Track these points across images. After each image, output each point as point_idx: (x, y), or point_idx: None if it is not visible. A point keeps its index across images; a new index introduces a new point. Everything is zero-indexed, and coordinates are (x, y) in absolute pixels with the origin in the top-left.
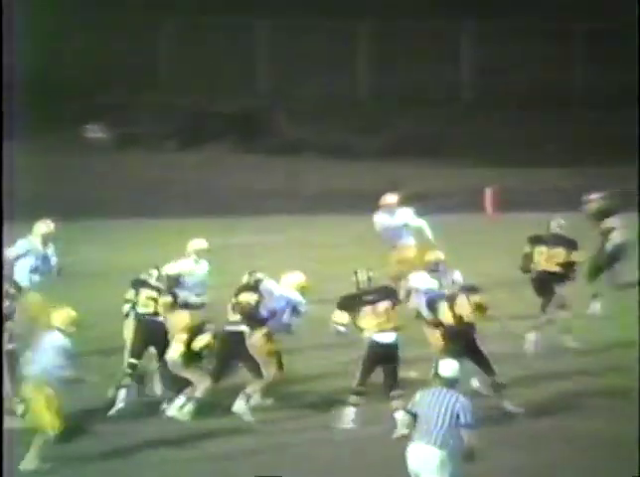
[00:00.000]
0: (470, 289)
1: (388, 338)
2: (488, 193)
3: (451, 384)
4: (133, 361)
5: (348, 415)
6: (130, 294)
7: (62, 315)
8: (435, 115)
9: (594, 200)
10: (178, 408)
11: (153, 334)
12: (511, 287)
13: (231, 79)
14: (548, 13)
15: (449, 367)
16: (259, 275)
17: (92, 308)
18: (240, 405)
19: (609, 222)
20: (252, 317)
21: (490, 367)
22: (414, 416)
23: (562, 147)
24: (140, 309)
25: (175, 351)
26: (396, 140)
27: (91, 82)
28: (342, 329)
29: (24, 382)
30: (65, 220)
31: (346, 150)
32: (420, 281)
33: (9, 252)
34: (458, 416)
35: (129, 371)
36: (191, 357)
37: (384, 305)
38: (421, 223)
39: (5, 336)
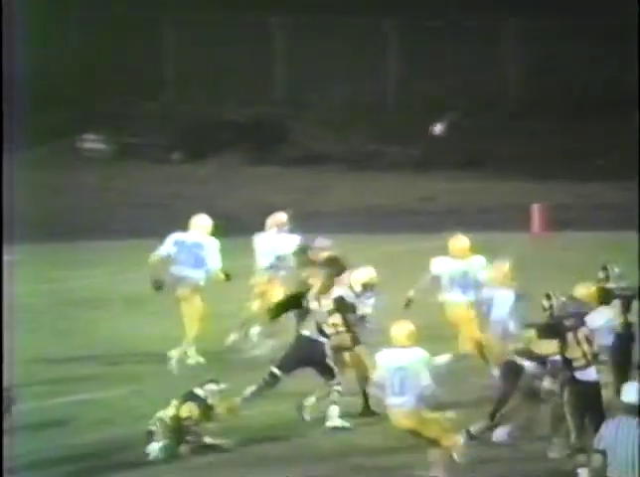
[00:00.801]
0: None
1: (590, 374)
2: (535, 209)
3: (636, 410)
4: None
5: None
6: None
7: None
8: (474, 123)
9: None
10: None
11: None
12: None
13: (243, 83)
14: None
15: (634, 390)
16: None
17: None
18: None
19: None
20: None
21: None
22: (604, 454)
23: (617, 159)
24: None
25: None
26: (430, 150)
27: (90, 88)
28: (554, 361)
29: None
30: (60, 240)
31: (373, 162)
32: (601, 318)
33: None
34: None
35: None
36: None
37: (583, 332)
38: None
39: None
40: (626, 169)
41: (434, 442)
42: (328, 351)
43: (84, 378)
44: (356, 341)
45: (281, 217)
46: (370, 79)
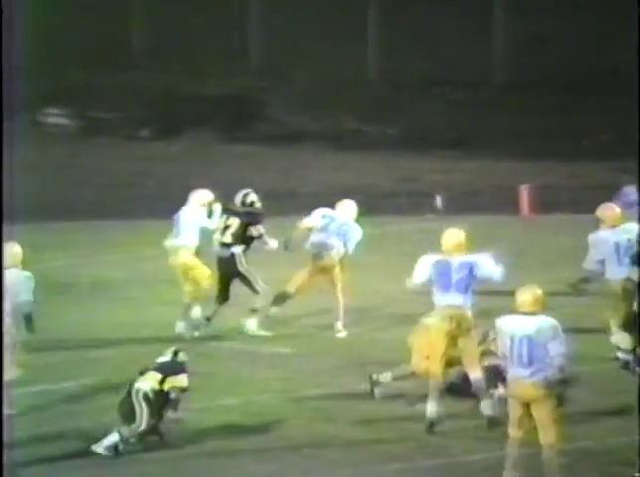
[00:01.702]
0: None
1: None
2: (523, 191)
3: None
4: None
5: None
6: None
7: None
8: (460, 100)
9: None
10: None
11: None
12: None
13: (218, 54)
14: None
15: None
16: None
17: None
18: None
19: None
20: None
21: None
22: None
23: (609, 138)
24: None
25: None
26: (413, 129)
27: (53, 59)
28: (623, 356)
29: None
30: (21, 221)
31: (355, 140)
32: None
33: None
34: None
35: None
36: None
37: None
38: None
39: None
40: (617, 149)
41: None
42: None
43: (49, 365)
44: None
45: (205, 194)
46: (350, 53)
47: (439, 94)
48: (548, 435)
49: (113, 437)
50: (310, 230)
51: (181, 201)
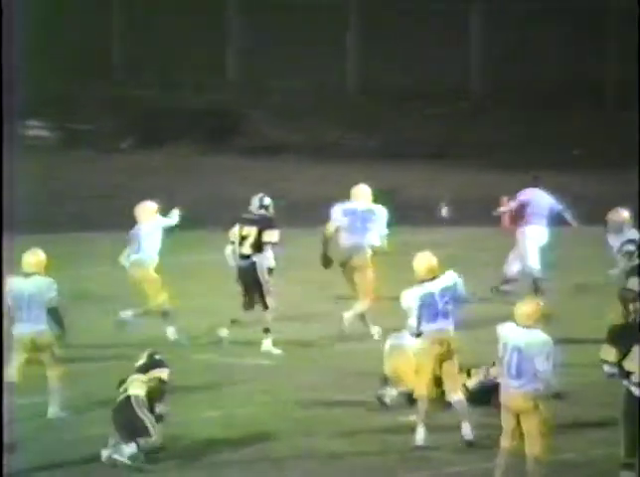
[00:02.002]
0: None
1: None
2: (504, 202)
3: None
4: None
5: None
6: None
7: None
8: (440, 113)
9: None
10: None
11: None
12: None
13: (197, 67)
14: None
15: None
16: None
17: None
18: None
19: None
20: None
21: None
22: None
23: (590, 151)
24: None
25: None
26: (393, 140)
27: (33, 70)
28: (609, 369)
29: None
30: (3, 233)
31: (335, 151)
32: None
33: None
34: None
35: None
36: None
37: None
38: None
39: None
40: (599, 160)
41: (525, 438)
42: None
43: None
44: None
45: (150, 205)
46: (330, 64)
47: (419, 107)
48: (534, 447)
49: (131, 448)
50: (337, 230)
51: (163, 213)
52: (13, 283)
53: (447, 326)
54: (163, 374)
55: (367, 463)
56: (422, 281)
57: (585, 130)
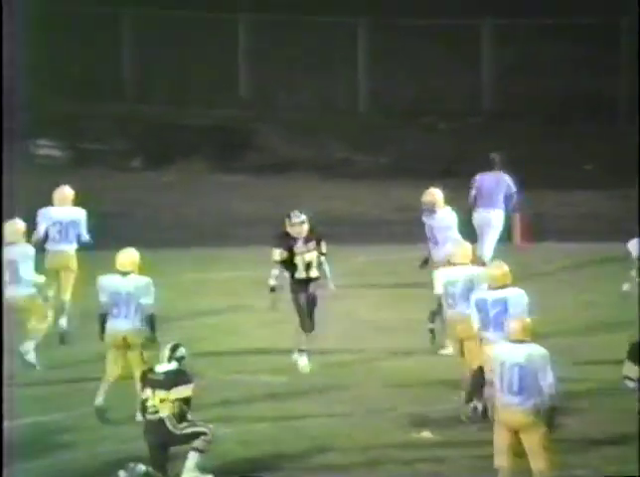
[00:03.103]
0: None
1: None
2: (516, 219)
3: None
4: None
5: None
6: None
7: None
8: (451, 129)
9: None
10: None
11: None
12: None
13: (207, 84)
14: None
15: None
16: None
17: None
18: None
19: None
20: None
21: None
22: None
23: (603, 167)
24: None
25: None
26: (404, 158)
27: (43, 89)
28: (633, 385)
29: None
30: None
31: (345, 168)
32: None
33: None
34: None
35: None
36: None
37: None
38: None
39: None
40: (610, 177)
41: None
42: None
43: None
44: None
45: (18, 225)
46: (340, 82)
47: (429, 123)
48: (538, 463)
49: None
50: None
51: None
52: (110, 281)
53: (496, 338)
54: (187, 391)
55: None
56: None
57: (597, 146)
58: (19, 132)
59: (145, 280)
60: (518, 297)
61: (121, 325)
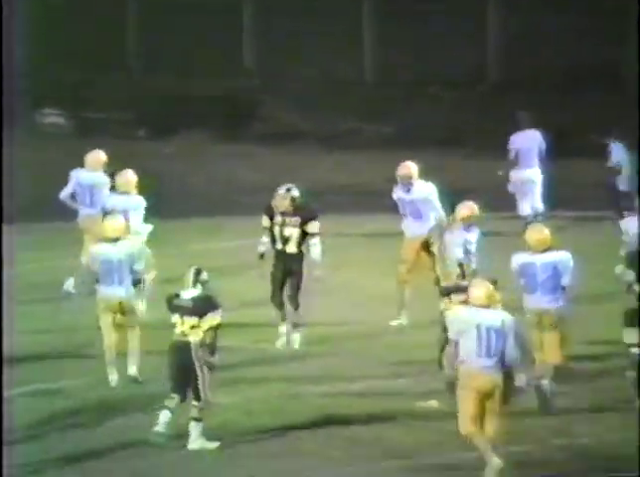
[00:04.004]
0: None
1: None
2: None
3: None
4: None
5: None
6: None
7: None
8: (456, 99)
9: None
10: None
11: None
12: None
13: (212, 55)
14: None
15: None
16: None
17: None
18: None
19: None
20: None
21: None
22: None
23: (608, 135)
24: None
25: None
26: (408, 128)
27: (48, 59)
28: (636, 350)
29: None
30: (17, 221)
31: (349, 139)
32: None
33: None
34: None
35: None
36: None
37: None
38: None
39: None
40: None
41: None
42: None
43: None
44: None
45: (101, 155)
46: (345, 51)
47: (434, 93)
48: (491, 428)
49: (164, 417)
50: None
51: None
52: (101, 249)
53: (545, 303)
54: (217, 319)
55: (385, 447)
56: (533, 252)
57: (603, 115)
58: (24, 101)
59: (136, 246)
60: (567, 261)
61: (117, 291)
